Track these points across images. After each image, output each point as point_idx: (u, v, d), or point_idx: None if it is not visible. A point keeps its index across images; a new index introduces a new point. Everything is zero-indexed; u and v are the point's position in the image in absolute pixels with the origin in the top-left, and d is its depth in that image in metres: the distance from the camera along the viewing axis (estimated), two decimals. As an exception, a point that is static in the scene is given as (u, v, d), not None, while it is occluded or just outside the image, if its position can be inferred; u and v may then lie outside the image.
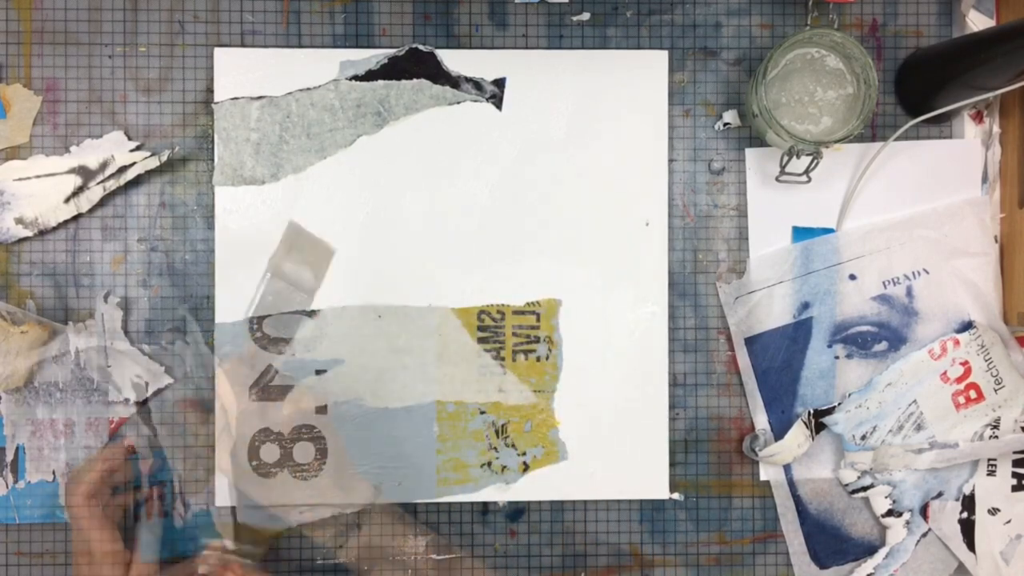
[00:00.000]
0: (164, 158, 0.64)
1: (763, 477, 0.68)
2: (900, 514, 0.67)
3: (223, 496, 0.63)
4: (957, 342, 0.66)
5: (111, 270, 0.66)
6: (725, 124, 0.68)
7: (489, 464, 0.67)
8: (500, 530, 0.67)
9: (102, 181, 0.64)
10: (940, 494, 0.67)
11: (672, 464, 0.67)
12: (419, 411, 0.66)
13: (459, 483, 0.67)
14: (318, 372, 0.66)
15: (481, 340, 0.66)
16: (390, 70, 0.66)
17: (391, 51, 0.66)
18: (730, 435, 0.68)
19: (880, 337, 0.67)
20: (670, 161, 0.67)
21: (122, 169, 0.64)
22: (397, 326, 0.66)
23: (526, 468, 0.67)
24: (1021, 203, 0.67)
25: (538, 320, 0.67)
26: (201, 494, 0.62)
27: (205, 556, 0.59)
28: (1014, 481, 0.67)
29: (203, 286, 0.66)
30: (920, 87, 0.66)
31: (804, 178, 0.64)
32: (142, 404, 0.62)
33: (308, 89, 0.66)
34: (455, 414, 0.66)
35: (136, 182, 0.65)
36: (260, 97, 0.66)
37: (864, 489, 0.67)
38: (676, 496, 0.68)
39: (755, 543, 0.68)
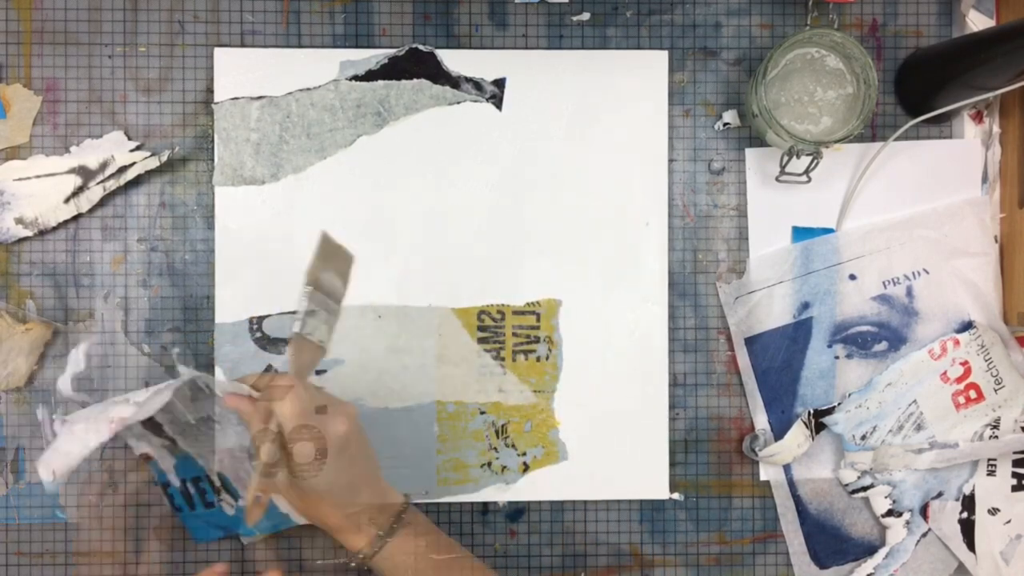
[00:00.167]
0: (164, 158, 0.64)
1: (763, 477, 0.68)
2: (900, 514, 0.67)
3: None
4: (957, 342, 0.66)
5: (111, 270, 0.66)
6: (725, 124, 0.68)
7: (489, 464, 0.67)
8: (500, 530, 0.67)
9: (102, 181, 0.64)
10: (940, 494, 0.67)
11: (672, 464, 0.67)
12: (419, 411, 0.66)
13: (459, 483, 0.66)
14: (318, 372, 0.66)
15: (481, 340, 0.66)
16: (390, 70, 0.66)
17: (391, 51, 0.66)
18: (730, 435, 0.68)
19: (880, 337, 0.67)
20: (670, 161, 0.67)
21: (122, 169, 0.64)
22: (397, 326, 0.66)
23: (526, 468, 0.67)
24: (1021, 203, 0.66)
25: (538, 320, 0.67)
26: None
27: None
28: (1014, 481, 0.67)
29: (203, 286, 0.66)
30: (920, 87, 0.66)
31: (804, 178, 0.64)
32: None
33: (308, 89, 0.66)
34: (455, 414, 0.66)
35: (136, 182, 0.65)
36: (260, 97, 0.66)
37: (864, 489, 0.67)
38: (676, 496, 0.68)
39: (755, 543, 0.68)
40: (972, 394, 0.66)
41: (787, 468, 0.68)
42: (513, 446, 0.67)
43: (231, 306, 0.66)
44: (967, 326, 0.67)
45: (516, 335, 0.67)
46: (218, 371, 0.51)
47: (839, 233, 0.67)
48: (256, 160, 0.66)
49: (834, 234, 0.67)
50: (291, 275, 0.65)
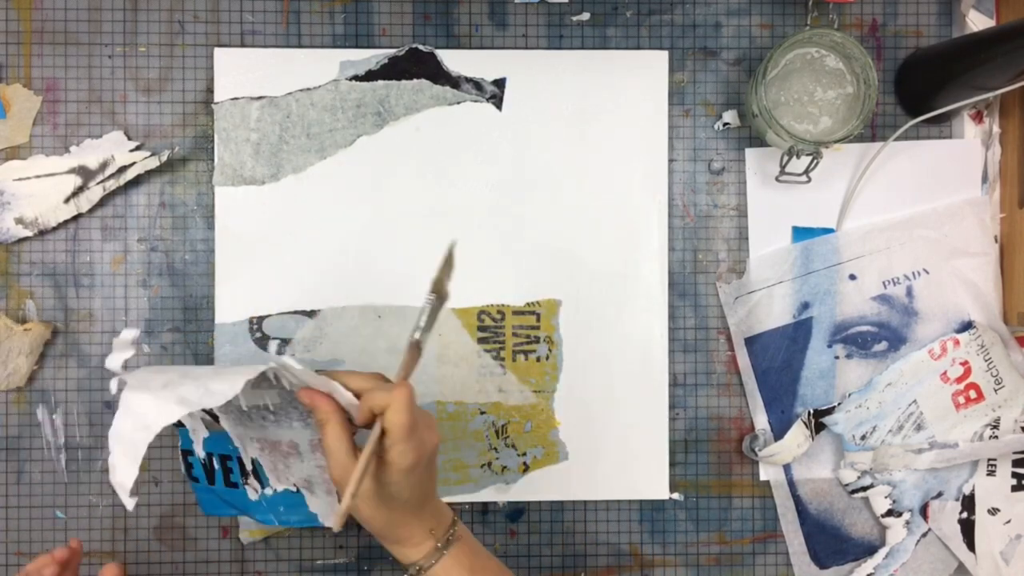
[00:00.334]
0: (164, 158, 0.64)
1: (763, 477, 0.68)
2: (900, 514, 0.67)
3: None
4: (957, 342, 0.66)
5: (111, 270, 0.66)
6: (725, 124, 0.68)
7: (489, 464, 0.67)
8: (500, 530, 0.67)
9: (102, 181, 0.64)
10: (940, 494, 0.67)
11: (672, 464, 0.67)
12: (419, 411, 0.66)
13: (459, 483, 0.66)
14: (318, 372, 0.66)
15: (481, 340, 0.66)
16: (390, 70, 0.66)
17: (391, 51, 0.66)
18: (730, 435, 0.68)
19: (880, 337, 0.67)
20: (670, 161, 0.67)
21: (122, 169, 0.64)
22: (397, 326, 0.66)
23: (526, 468, 0.67)
24: (1021, 203, 0.66)
25: (538, 320, 0.67)
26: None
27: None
28: (1014, 481, 0.67)
29: (203, 286, 0.66)
30: (920, 87, 0.66)
31: (804, 178, 0.64)
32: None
33: (308, 89, 0.66)
34: (455, 414, 0.66)
35: (136, 182, 0.65)
36: (260, 97, 0.66)
37: (864, 489, 0.67)
38: (676, 496, 0.67)
39: (755, 543, 0.68)
40: (972, 394, 0.66)
41: (787, 468, 0.68)
42: (513, 446, 0.67)
43: (231, 306, 0.66)
44: (967, 326, 0.67)
45: (516, 335, 0.67)
46: (292, 361, 0.49)
47: (839, 233, 0.67)
48: (256, 160, 0.66)
49: (834, 234, 0.67)
50: (291, 275, 0.66)
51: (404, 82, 0.66)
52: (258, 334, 0.65)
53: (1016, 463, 0.67)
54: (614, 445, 0.67)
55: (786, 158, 0.63)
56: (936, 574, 0.68)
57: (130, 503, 0.46)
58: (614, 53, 0.67)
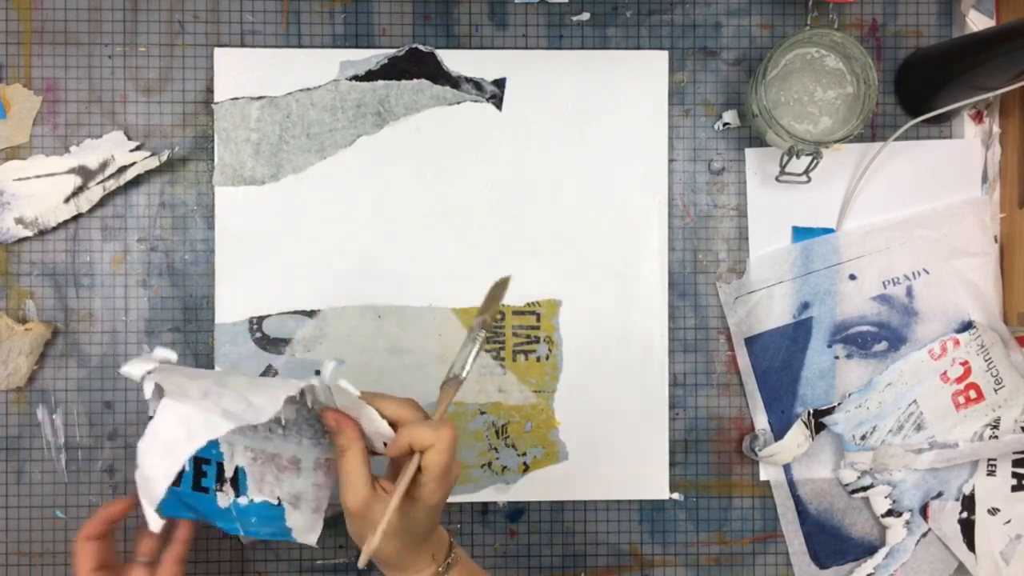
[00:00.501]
0: (164, 158, 0.64)
1: (763, 477, 0.68)
2: (900, 514, 0.67)
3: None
4: (957, 342, 0.66)
5: (111, 270, 0.66)
6: (725, 124, 0.68)
7: (489, 464, 0.67)
8: (500, 530, 0.67)
9: (102, 181, 0.64)
10: (940, 494, 0.67)
11: (672, 464, 0.67)
12: (419, 411, 0.66)
13: (459, 483, 0.66)
14: (318, 372, 0.66)
15: (481, 340, 0.66)
16: (390, 70, 0.66)
17: (391, 51, 0.66)
18: (730, 435, 0.68)
19: (880, 337, 0.67)
20: (670, 161, 0.67)
21: (122, 169, 0.64)
22: (397, 326, 0.66)
23: (526, 468, 0.67)
24: (1021, 203, 0.66)
25: (538, 320, 0.67)
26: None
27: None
28: (1014, 481, 0.67)
29: (203, 286, 0.66)
30: (920, 87, 0.66)
31: (804, 178, 0.64)
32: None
33: (308, 89, 0.66)
34: (455, 415, 0.66)
35: (136, 182, 0.65)
36: (260, 97, 0.66)
37: (864, 489, 0.67)
38: (676, 496, 0.67)
39: (755, 543, 0.68)
40: (972, 394, 0.66)
41: (787, 468, 0.68)
42: (513, 446, 0.67)
43: (231, 306, 0.66)
44: (967, 326, 0.67)
45: (516, 335, 0.67)
46: (348, 384, 0.48)
47: (839, 233, 0.67)
48: (256, 160, 0.66)
49: (834, 234, 0.67)
50: (291, 275, 0.66)
51: (404, 82, 0.66)
52: (258, 334, 0.65)
53: (1016, 463, 0.67)
54: (614, 445, 0.67)
55: (786, 158, 0.63)
56: (936, 574, 0.68)
57: (157, 524, 0.44)
58: (614, 53, 0.67)
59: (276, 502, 0.55)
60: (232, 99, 0.66)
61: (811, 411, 0.66)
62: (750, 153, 0.68)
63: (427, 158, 0.66)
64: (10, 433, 0.65)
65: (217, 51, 0.66)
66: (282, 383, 0.49)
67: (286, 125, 0.66)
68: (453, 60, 0.66)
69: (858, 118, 0.61)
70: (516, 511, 0.67)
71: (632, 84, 0.67)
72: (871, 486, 0.67)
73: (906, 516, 0.67)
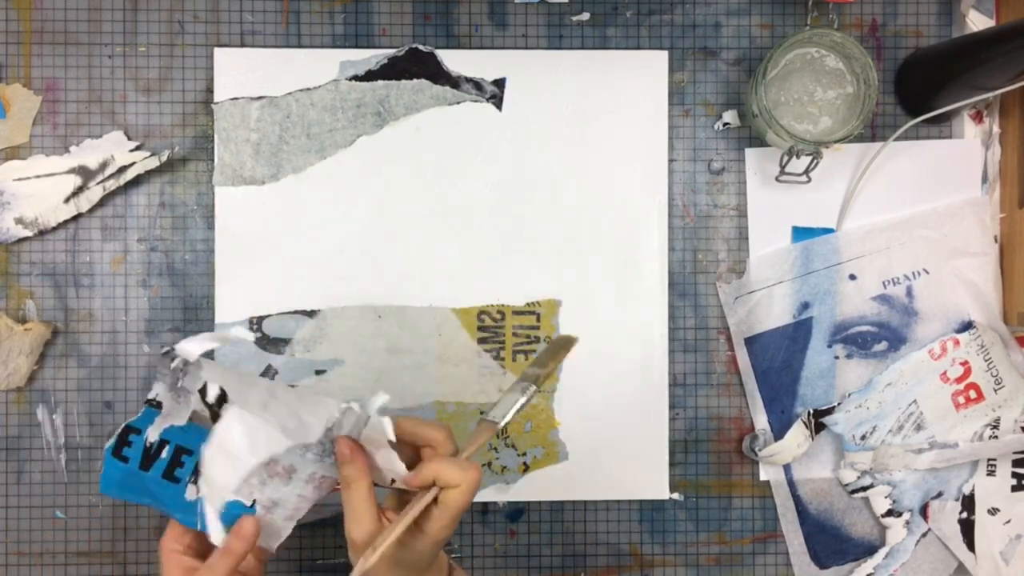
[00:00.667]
0: (164, 158, 0.64)
1: (763, 477, 0.68)
2: (900, 514, 0.67)
3: None
4: (957, 342, 0.66)
5: (111, 270, 0.66)
6: (725, 124, 0.68)
7: (489, 464, 0.67)
8: (500, 530, 0.67)
9: (102, 181, 0.64)
10: (940, 494, 0.67)
11: (672, 464, 0.67)
12: (419, 412, 0.66)
13: (459, 483, 0.66)
14: (318, 372, 0.66)
15: (481, 340, 0.66)
16: (390, 70, 0.66)
17: (391, 51, 0.66)
18: (730, 435, 0.68)
19: (880, 337, 0.67)
20: (670, 161, 0.67)
21: (122, 169, 0.64)
22: (397, 326, 0.66)
23: (526, 468, 0.67)
24: (1021, 203, 0.66)
25: (538, 320, 0.67)
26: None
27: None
28: (1014, 481, 0.67)
29: (203, 286, 0.66)
30: (920, 87, 0.66)
31: (804, 178, 0.64)
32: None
33: (308, 89, 0.66)
34: (455, 414, 0.66)
35: (136, 182, 0.65)
36: (260, 97, 0.66)
37: (864, 489, 0.67)
38: (676, 496, 0.68)
39: (755, 543, 0.68)
40: (972, 394, 0.66)
41: (787, 468, 0.68)
42: (513, 446, 0.67)
43: (231, 306, 0.66)
44: (967, 326, 0.67)
45: (516, 335, 0.67)
46: (389, 425, 0.46)
47: (839, 233, 0.67)
48: (256, 160, 0.66)
49: (834, 234, 0.67)
50: (291, 275, 0.66)
51: (404, 82, 0.66)
52: (258, 334, 0.65)
53: (1016, 463, 0.67)
54: (614, 445, 0.67)
55: (786, 158, 0.63)
56: (936, 574, 0.68)
57: (219, 535, 0.45)
58: (614, 53, 0.67)
59: (250, 504, 0.53)
60: (232, 99, 0.66)
61: (811, 411, 0.66)
62: (750, 153, 0.68)
63: (427, 158, 0.66)
64: (10, 433, 0.65)
65: (217, 51, 0.66)
66: (322, 402, 0.48)
67: (286, 125, 0.66)
68: (453, 60, 0.66)
69: (858, 118, 0.61)
70: (516, 511, 0.67)
71: (632, 84, 0.67)
72: (871, 486, 0.67)
73: (906, 516, 0.67)
